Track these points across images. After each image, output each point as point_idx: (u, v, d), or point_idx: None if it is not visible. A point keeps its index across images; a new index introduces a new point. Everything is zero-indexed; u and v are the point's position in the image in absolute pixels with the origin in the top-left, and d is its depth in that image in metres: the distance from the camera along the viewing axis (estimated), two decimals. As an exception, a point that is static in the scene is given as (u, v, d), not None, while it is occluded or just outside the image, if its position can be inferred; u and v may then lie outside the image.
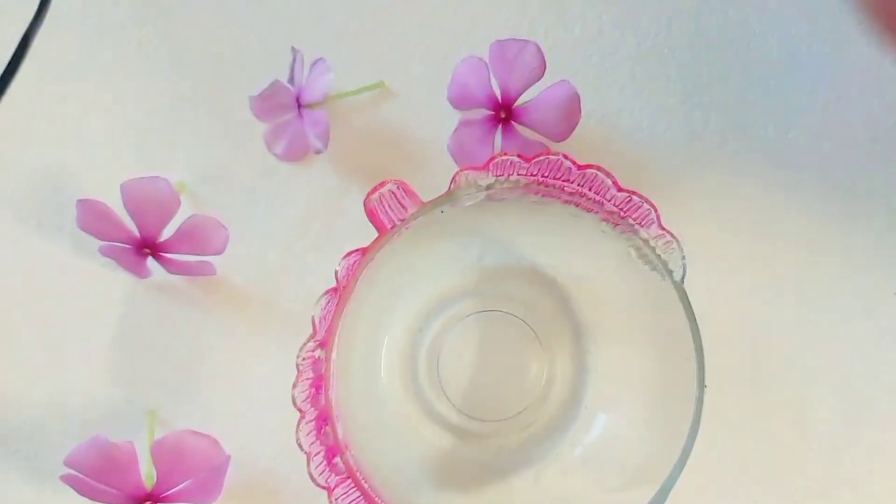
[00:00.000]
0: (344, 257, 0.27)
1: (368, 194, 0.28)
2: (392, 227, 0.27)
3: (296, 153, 0.33)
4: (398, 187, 0.28)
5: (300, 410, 0.27)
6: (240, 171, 0.34)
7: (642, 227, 0.28)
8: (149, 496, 0.29)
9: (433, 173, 0.34)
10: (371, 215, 0.28)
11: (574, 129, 0.33)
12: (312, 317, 0.27)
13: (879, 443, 0.34)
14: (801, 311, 0.34)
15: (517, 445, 0.32)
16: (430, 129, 0.34)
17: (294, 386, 0.27)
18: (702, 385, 0.28)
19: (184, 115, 0.34)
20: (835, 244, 0.34)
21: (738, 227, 0.34)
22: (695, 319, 0.28)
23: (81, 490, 0.29)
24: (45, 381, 0.33)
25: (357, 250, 0.27)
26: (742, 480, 0.33)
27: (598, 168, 0.28)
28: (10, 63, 0.29)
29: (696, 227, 0.33)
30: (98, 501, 0.29)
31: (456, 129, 0.34)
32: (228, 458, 0.29)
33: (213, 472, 0.29)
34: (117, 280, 0.33)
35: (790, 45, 0.35)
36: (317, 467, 0.26)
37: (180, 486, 0.29)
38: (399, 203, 0.28)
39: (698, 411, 0.27)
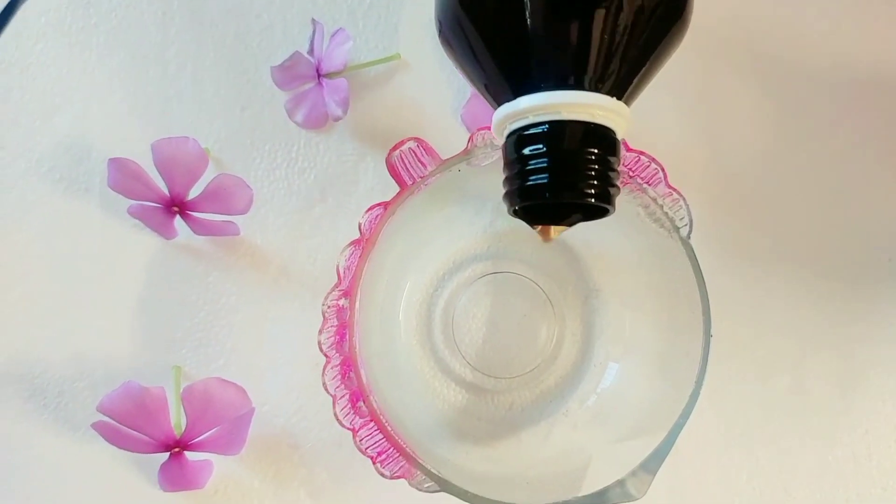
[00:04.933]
0: (367, 210, 0.28)
1: (390, 151, 0.29)
2: (413, 183, 0.29)
3: (315, 121, 0.34)
4: (418, 145, 0.29)
5: (326, 356, 0.28)
6: (261, 138, 0.35)
7: (650, 185, 0.30)
8: (178, 442, 0.30)
9: (447, 142, 0.35)
10: (392, 171, 0.29)
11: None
12: (337, 266, 0.28)
13: (874, 403, 0.35)
14: (800, 271, 0.35)
15: (528, 402, 0.34)
16: (444, 99, 0.35)
17: (320, 332, 0.28)
18: (708, 334, 0.29)
19: (207, 84, 0.35)
20: (835, 209, 0.35)
21: (744, 187, 0.35)
22: (700, 272, 0.29)
23: (111, 438, 0.30)
24: (72, 338, 0.34)
25: (380, 204, 0.28)
26: (743, 437, 0.35)
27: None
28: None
29: (703, 186, 0.35)
30: (127, 449, 0.30)
31: (469, 100, 0.35)
32: (253, 409, 0.31)
33: (239, 421, 0.30)
34: (143, 241, 0.34)
35: (793, 20, 0.36)
36: (342, 409, 0.27)
37: (207, 434, 0.30)
38: (419, 160, 0.29)
39: (704, 359, 0.29)
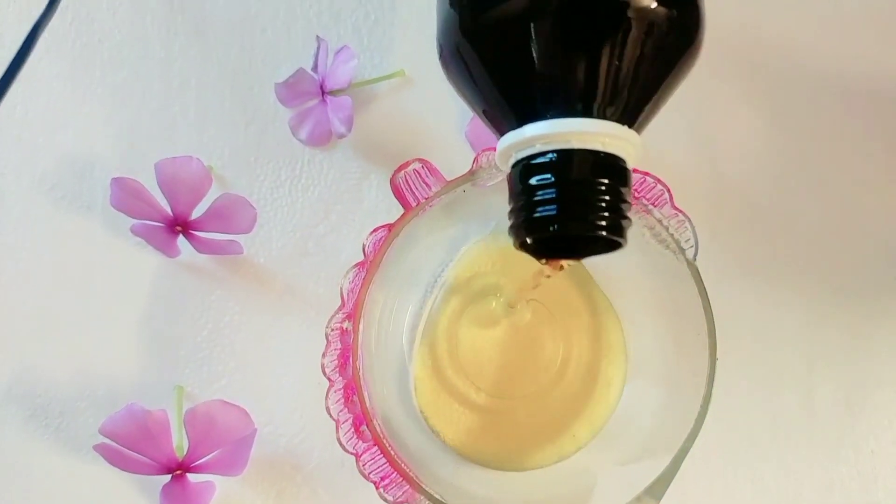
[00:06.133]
0: (371, 232, 0.28)
1: (395, 172, 0.29)
2: (417, 204, 0.29)
3: (319, 138, 0.34)
4: (423, 166, 0.29)
5: (329, 379, 0.27)
6: (265, 155, 0.35)
7: (655, 207, 0.29)
8: (180, 465, 0.29)
9: (451, 160, 0.34)
10: (397, 192, 0.29)
11: (588, 115, 0.34)
12: (340, 288, 0.28)
13: (881, 422, 0.35)
14: (808, 292, 0.35)
15: (535, 422, 0.33)
16: (449, 116, 0.35)
17: (323, 356, 0.28)
18: (713, 358, 0.29)
19: (211, 101, 0.35)
20: (842, 227, 0.35)
21: (749, 207, 0.35)
22: (706, 296, 0.29)
23: (113, 460, 0.29)
24: (74, 357, 0.34)
25: (384, 226, 0.28)
26: (748, 455, 0.34)
27: (614, 150, 0.29)
28: (18, 52, 0.29)
29: (708, 207, 0.35)
30: (129, 471, 0.30)
31: (474, 117, 0.35)
32: (255, 430, 0.30)
33: (241, 443, 0.30)
34: (146, 259, 0.34)
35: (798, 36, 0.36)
36: (345, 434, 0.27)
37: (209, 456, 0.30)
38: (423, 181, 0.29)
39: (710, 383, 0.28)
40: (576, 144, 0.22)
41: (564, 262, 0.26)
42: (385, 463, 0.27)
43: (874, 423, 0.35)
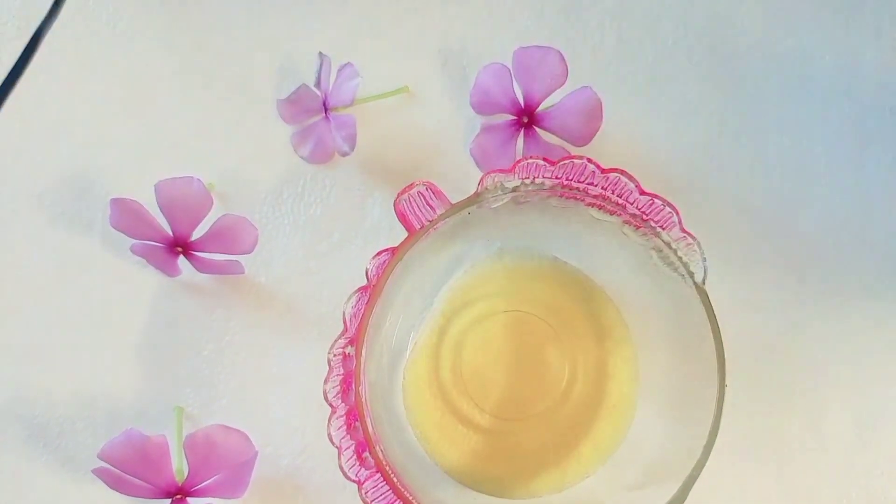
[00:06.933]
0: (374, 256, 0.28)
1: (398, 195, 0.28)
2: (421, 228, 0.28)
3: (322, 155, 0.34)
4: (427, 188, 0.28)
5: (331, 406, 0.27)
6: (267, 173, 0.34)
7: (664, 229, 0.29)
8: (179, 490, 0.29)
9: (455, 177, 0.34)
10: (400, 215, 0.28)
11: (595, 134, 0.33)
12: (343, 314, 0.27)
13: (891, 444, 0.34)
14: (817, 314, 0.34)
15: (539, 445, 0.33)
16: (453, 133, 0.35)
17: (325, 381, 0.27)
18: (722, 384, 0.28)
19: (212, 117, 0.34)
20: (851, 250, 0.35)
21: (758, 230, 0.34)
22: (716, 320, 0.28)
23: (112, 484, 0.29)
24: (73, 377, 0.33)
25: (387, 249, 0.28)
26: (757, 478, 0.34)
27: (622, 172, 0.29)
28: (18, 61, 0.28)
29: (717, 230, 0.34)
30: (128, 495, 0.29)
31: (478, 134, 0.34)
32: (256, 453, 0.30)
33: (242, 467, 0.30)
34: (146, 278, 0.33)
35: (803, 55, 0.35)
36: (347, 461, 0.27)
37: (210, 480, 0.29)
38: (427, 204, 0.28)
39: (719, 410, 0.28)
40: None
41: None
42: (388, 490, 0.27)
43: (885, 445, 0.34)
